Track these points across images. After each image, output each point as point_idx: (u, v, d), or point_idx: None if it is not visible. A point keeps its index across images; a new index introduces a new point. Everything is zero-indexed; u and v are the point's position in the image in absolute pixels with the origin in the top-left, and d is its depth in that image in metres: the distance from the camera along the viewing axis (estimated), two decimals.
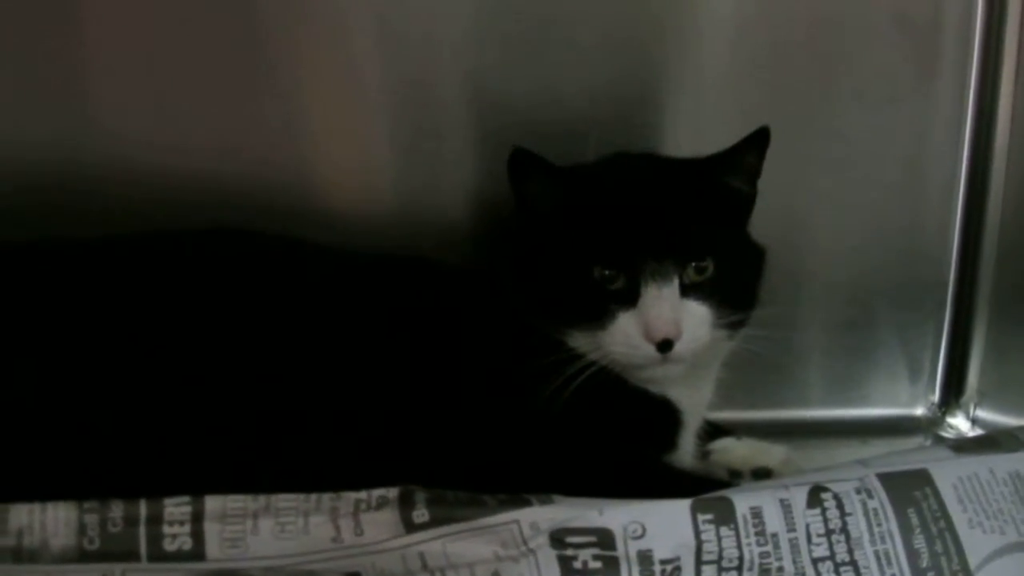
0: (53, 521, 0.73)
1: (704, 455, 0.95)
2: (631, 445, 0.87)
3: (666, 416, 0.89)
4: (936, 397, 1.17)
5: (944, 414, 1.17)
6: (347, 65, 0.98)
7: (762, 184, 0.89)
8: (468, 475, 0.78)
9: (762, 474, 0.94)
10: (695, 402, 0.91)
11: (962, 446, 0.82)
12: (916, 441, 1.14)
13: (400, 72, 0.98)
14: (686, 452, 0.91)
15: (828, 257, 1.10)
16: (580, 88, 1.00)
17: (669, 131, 1.02)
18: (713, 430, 0.97)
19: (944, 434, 1.15)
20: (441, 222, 1.01)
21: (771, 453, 0.96)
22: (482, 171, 1.00)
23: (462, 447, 0.82)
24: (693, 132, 1.01)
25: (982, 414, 1.15)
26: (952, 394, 1.17)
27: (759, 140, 0.86)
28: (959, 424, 1.16)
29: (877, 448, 1.06)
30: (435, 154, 1.00)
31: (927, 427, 1.16)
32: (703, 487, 0.81)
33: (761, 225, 0.91)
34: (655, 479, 0.85)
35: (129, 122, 0.96)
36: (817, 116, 1.05)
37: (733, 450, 0.97)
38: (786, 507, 0.75)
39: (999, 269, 1.10)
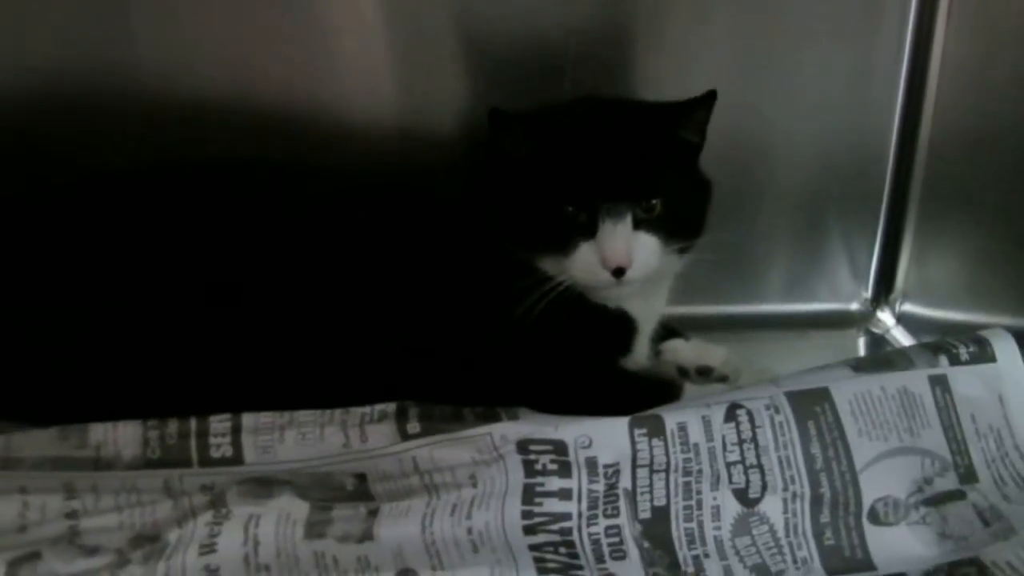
0: (123, 436, 0.84)
1: (656, 354, 1.03)
2: (593, 351, 0.97)
3: (622, 326, 0.99)
4: (868, 295, 1.26)
5: (875, 310, 1.26)
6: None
7: (722, 112, 0.95)
8: (454, 386, 0.89)
9: (705, 372, 1.02)
10: (649, 312, 1.00)
11: (861, 365, 0.88)
12: (851, 333, 1.23)
13: (399, 5, 1.06)
14: (641, 354, 1.00)
15: (780, 174, 1.17)
16: (557, 23, 1.07)
17: (639, 66, 1.09)
18: (665, 332, 1.04)
19: (873, 329, 1.24)
20: (436, 139, 1.09)
21: (714, 354, 1.03)
22: (469, 94, 1.08)
23: (451, 361, 0.91)
24: (660, 68, 1.09)
25: (906, 308, 1.24)
26: (882, 293, 1.25)
27: (708, 100, 0.95)
28: (886, 319, 1.25)
29: (815, 339, 1.18)
30: (430, 80, 1.08)
31: (860, 321, 1.25)
32: (650, 389, 0.92)
33: (722, 149, 0.99)
34: (611, 383, 0.97)
35: (142, 47, 1.03)
36: (771, 51, 1.11)
37: (681, 351, 1.04)
38: (706, 422, 0.84)
39: (926, 186, 1.17)
